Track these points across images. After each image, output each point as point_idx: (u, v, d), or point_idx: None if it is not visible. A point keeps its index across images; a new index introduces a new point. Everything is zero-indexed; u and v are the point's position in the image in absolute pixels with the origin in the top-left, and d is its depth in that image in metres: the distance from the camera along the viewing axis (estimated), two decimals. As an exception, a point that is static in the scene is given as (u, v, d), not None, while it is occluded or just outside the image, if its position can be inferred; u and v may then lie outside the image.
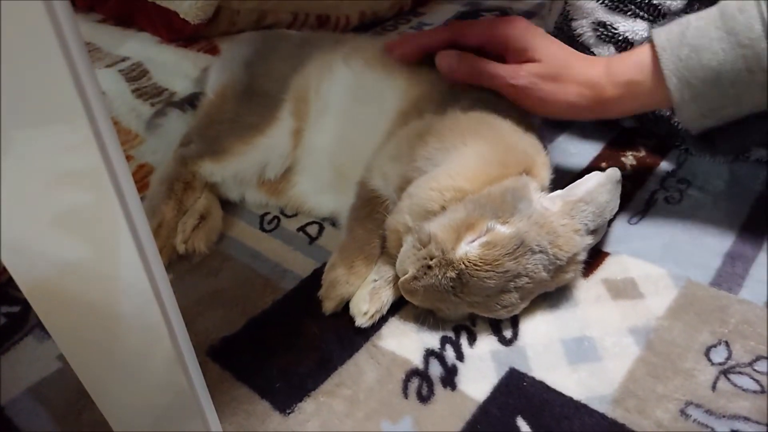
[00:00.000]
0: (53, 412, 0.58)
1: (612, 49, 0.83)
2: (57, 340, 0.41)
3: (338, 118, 0.77)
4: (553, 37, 0.71)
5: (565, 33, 0.88)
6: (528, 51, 0.68)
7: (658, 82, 0.64)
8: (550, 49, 0.69)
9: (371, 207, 0.67)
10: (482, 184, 0.62)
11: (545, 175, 0.66)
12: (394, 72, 0.76)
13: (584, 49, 0.85)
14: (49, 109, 0.31)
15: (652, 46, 0.65)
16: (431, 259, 0.57)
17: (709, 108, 0.63)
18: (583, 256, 0.62)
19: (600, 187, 0.63)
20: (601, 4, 0.83)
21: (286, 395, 0.58)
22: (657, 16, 0.80)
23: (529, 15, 1.35)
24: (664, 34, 0.64)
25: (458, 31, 0.73)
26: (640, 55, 0.66)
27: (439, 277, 0.57)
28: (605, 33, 0.83)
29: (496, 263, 0.56)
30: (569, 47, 0.71)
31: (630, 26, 0.81)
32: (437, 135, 0.66)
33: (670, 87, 0.63)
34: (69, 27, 0.29)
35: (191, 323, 0.66)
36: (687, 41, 0.62)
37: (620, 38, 0.82)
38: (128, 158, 0.91)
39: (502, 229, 0.57)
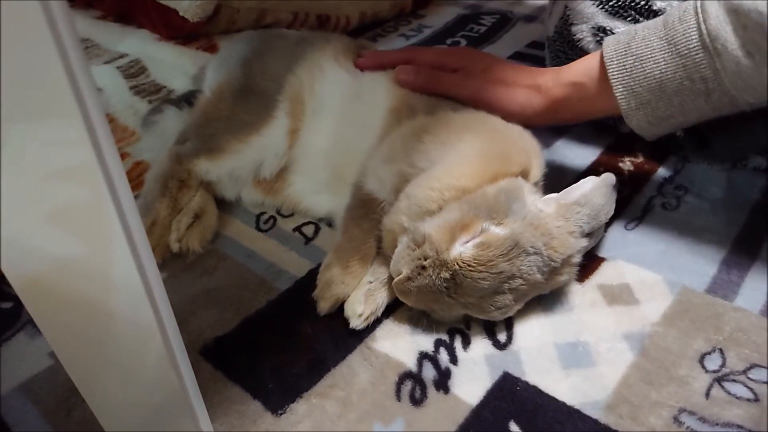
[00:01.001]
0: (44, 410, 0.57)
1: (611, 54, 0.82)
2: (48, 336, 0.41)
3: (333, 117, 0.77)
4: (502, 58, 0.78)
5: (565, 37, 0.88)
6: (476, 66, 0.76)
7: (605, 90, 0.67)
8: (497, 62, 0.76)
9: (367, 208, 0.67)
10: (483, 181, 0.62)
11: (538, 175, 0.67)
12: (383, 73, 0.77)
13: (584, 53, 0.85)
14: (43, 105, 0.31)
15: (602, 56, 0.68)
16: (425, 260, 0.57)
17: (656, 116, 0.66)
18: (577, 259, 0.62)
19: (595, 190, 0.63)
20: (601, 8, 0.83)
21: (279, 396, 0.58)
22: (657, 21, 0.80)
23: (530, 19, 1.36)
24: (612, 44, 0.67)
25: (414, 55, 0.79)
26: (589, 62, 0.70)
27: (433, 277, 0.57)
28: (605, 38, 0.82)
29: (490, 264, 0.56)
30: (518, 64, 0.78)
31: (629, 32, 0.81)
32: (433, 132, 0.67)
33: (617, 95, 0.66)
34: (64, 23, 0.29)
35: (185, 322, 0.66)
36: (632, 51, 0.65)
37: (620, 43, 0.81)
38: (125, 155, 0.91)
39: (497, 230, 0.57)
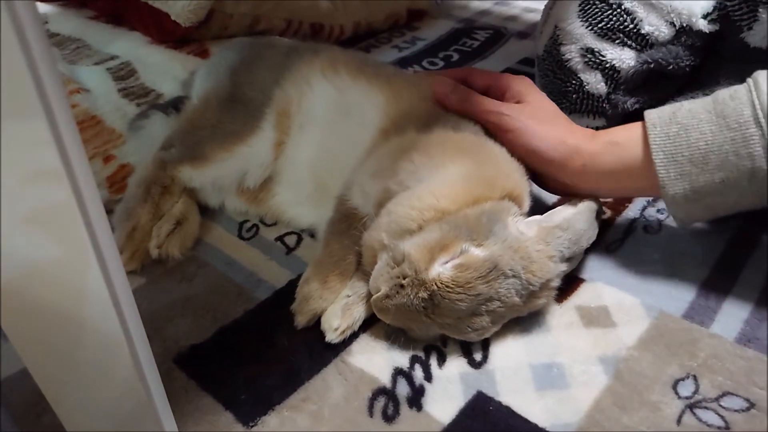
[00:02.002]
0: (13, 412, 0.57)
1: (599, 75, 0.83)
2: (14, 342, 0.40)
3: (319, 132, 0.77)
4: (549, 101, 0.73)
5: (554, 57, 0.89)
6: (522, 96, 0.71)
7: (644, 156, 0.64)
8: (543, 101, 0.71)
9: (349, 223, 0.67)
10: (465, 205, 0.62)
11: (526, 201, 0.66)
12: (373, 88, 0.76)
13: (571, 74, 0.86)
14: (8, 107, 0.31)
15: (644, 123, 0.64)
16: (404, 278, 0.57)
17: (694, 190, 0.62)
18: (556, 283, 0.62)
19: (578, 215, 0.63)
20: (590, 30, 0.84)
21: (251, 407, 0.57)
22: (644, 45, 0.81)
23: (523, 35, 1.36)
24: (655, 112, 0.64)
25: (469, 73, 0.76)
26: (630, 128, 0.66)
27: (411, 296, 0.57)
28: (593, 59, 0.83)
29: (469, 286, 0.56)
30: (560, 111, 0.72)
31: (617, 54, 0.82)
32: (424, 151, 0.66)
33: (656, 161, 0.62)
34: (31, 24, 0.29)
35: (161, 328, 0.66)
36: (677, 120, 0.62)
37: (607, 65, 0.82)
38: (111, 157, 0.90)
39: (476, 252, 0.57)
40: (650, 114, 0.64)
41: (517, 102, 0.71)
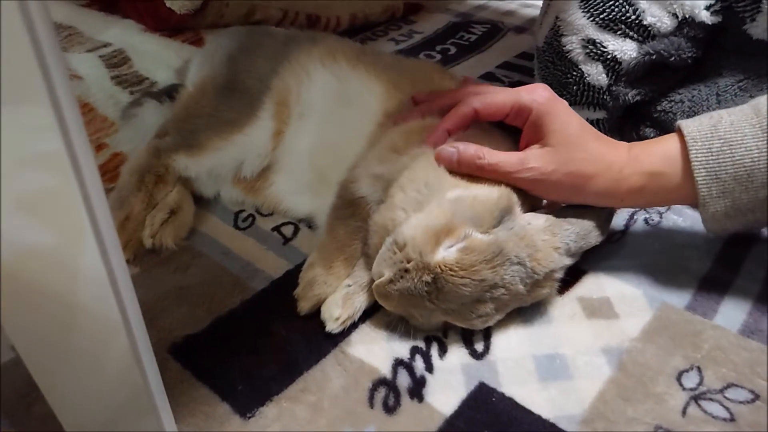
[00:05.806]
0: (2, 403, 0.56)
1: (600, 66, 0.82)
2: (7, 327, 0.39)
3: (318, 121, 0.76)
4: (572, 112, 0.64)
5: (555, 48, 0.88)
6: (543, 128, 0.62)
7: (685, 176, 0.61)
8: (566, 132, 0.62)
9: (352, 209, 0.66)
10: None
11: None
12: (372, 77, 0.75)
13: (572, 65, 0.85)
14: (13, 91, 0.30)
15: (681, 137, 0.61)
16: (408, 262, 0.56)
17: (735, 208, 0.60)
18: (560, 274, 0.62)
19: (589, 212, 0.63)
20: (591, 21, 0.83)
21: (248, 398, 0.56)
22: (646, 37, 0.80)
23: (520, 30, 1.36)
24: (694, 125, 0.61)
25: (482, 108, 0.65)
26: (667, 144, 0.62)
27: (415, 281, 0.55)
28: (594, 50, 0.82)
29: (473, 269, 0.55)
30: (587, 125, 0.64)
31: (619, 45, 0.81)
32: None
33: (698, 180, 0.59)
34: (37, 8, 0.28)
35: (155, 319, 0.64)
36: (719, 134, 0.59)
37: (609, 56, 0.81)
38: (103, 146, 0.89)
39: (481, 237, 0.56)
40: (688, 127, 0.61)
41: (539, 137, 0.63)
